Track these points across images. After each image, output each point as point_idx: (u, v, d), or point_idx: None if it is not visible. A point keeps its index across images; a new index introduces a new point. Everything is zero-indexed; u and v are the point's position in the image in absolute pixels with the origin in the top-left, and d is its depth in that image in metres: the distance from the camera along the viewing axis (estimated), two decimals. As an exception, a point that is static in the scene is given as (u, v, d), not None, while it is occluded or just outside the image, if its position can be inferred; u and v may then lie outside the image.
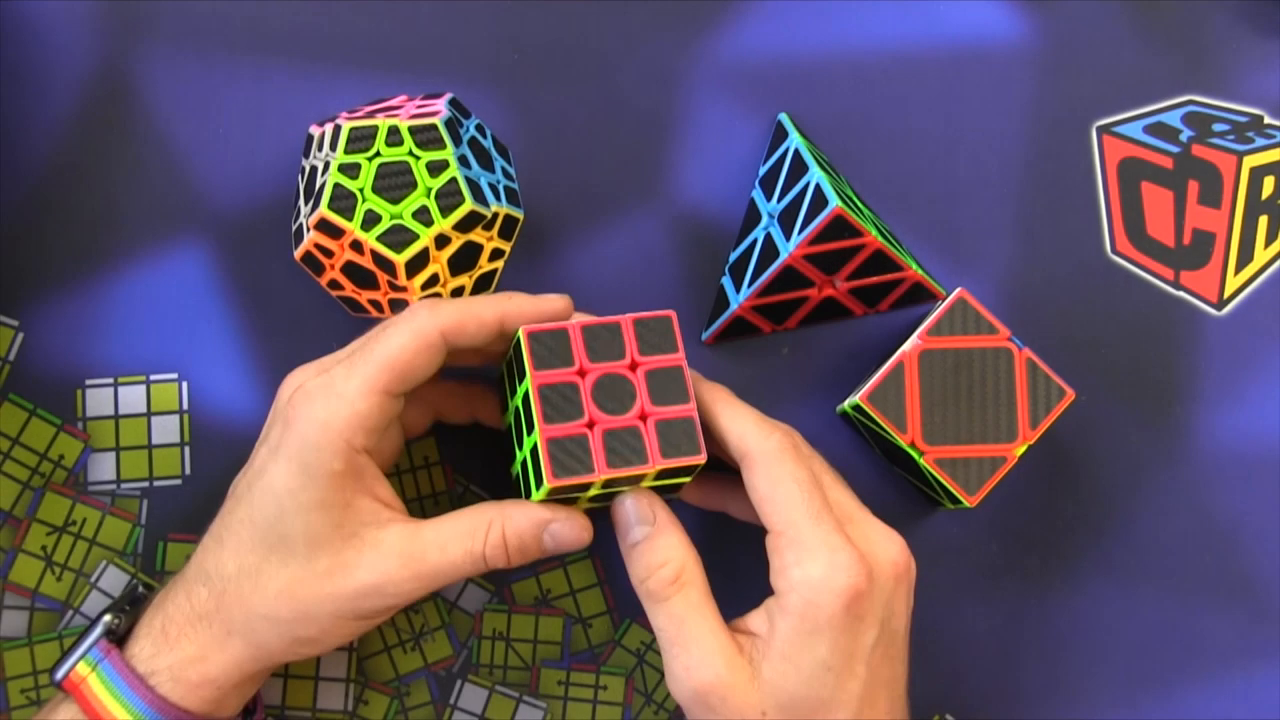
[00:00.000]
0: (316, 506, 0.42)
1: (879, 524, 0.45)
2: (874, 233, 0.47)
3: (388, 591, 0.42)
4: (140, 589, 0.49)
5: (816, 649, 0.41)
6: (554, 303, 0.45)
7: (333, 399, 0.42)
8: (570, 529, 0.44)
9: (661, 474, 0.45)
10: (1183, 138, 0.54)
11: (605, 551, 0.52)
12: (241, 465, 0.45)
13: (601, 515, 0.47)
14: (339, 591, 0.42)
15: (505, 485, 0.52)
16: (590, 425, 0.45)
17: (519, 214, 0.48)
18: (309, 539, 0.42)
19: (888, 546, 0.43)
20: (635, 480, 0.45)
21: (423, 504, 0.52)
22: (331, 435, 0.42)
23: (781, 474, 0.43)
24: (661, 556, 0.44)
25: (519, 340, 0.45)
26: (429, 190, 0.45)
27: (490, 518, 0.44)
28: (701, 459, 0.45)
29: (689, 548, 0.44)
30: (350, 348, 0.45)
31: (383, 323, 0.45)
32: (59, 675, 0.44)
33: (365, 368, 0.43)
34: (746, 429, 0.44)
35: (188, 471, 0.51)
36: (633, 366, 0.46)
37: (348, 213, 0.45)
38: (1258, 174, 0.53)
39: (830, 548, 0.42)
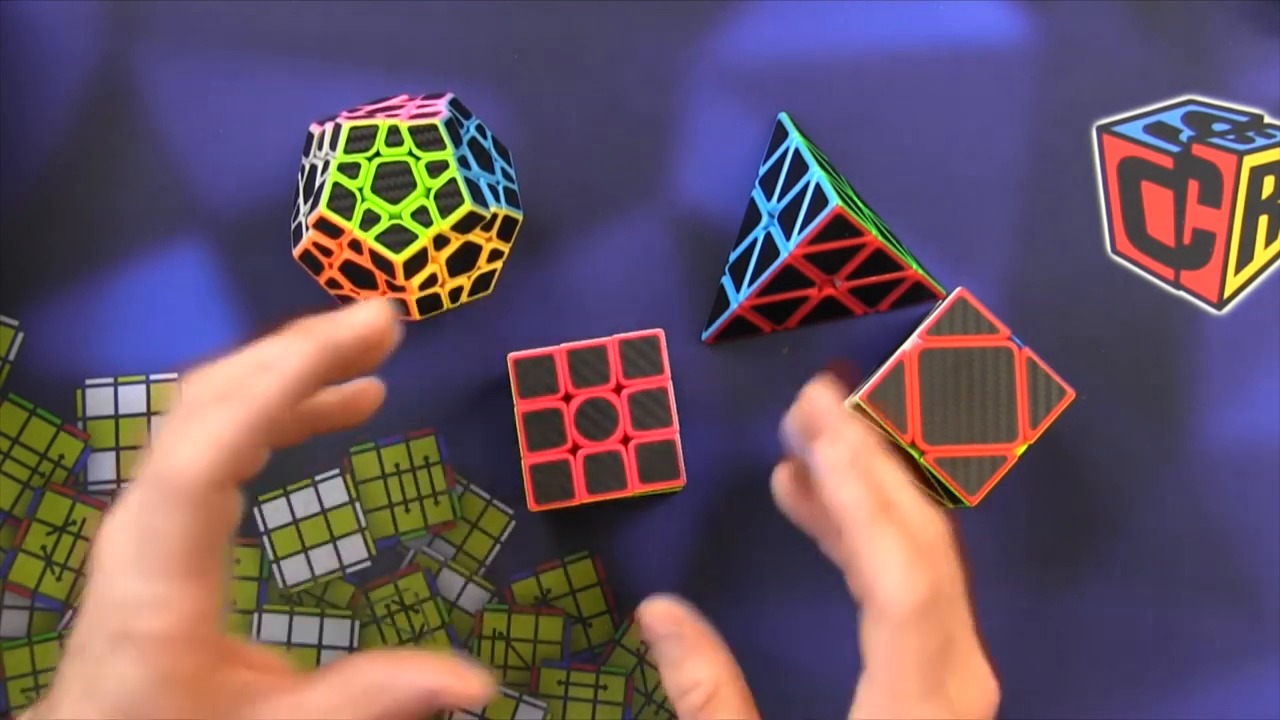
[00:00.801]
0: (179, 699, 0.35)
1: (980, 659, 0.39)
2: (874, 232, 0.47)
3: None
4: None
5: None
6: (353, 324, 0.38)
7: (166, 614, 0.35)
8: (460, 700, 0.38)
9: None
10: (1183, 137, 0.54)
11: (605, 551, 0.52)
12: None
13: (604, 516, 0.47)
14: None
15: (505, 485, 0.52)
16: (573, 450, 0.46)
17: (518, 215, 0.48)
18: None
19: (983, 690, 0.39)
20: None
21: (423, 504, 0.52)
22: (178, 646, 0.35)
23: (907, 647, 0.36)
24: (692, 677, 0.40)
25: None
26: (428, 191, 0.45)
27: (371, 686, 0.37)
28: (680, 483, 0.46)
29: (724, 665, 0.40)
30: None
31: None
32: None
33: (177, 562, 0.35)
34: (888, 573, 0.37)
35: (188, 471, 0.51)
36: (617, 389, 0.46)
37: (347, 212, 0.45)
38: (1258, 174, 0.53)
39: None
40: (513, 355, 0.47)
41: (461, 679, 0.38)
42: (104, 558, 0.36)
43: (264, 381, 0.36)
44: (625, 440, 0.47)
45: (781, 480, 0.43)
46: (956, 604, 0.39)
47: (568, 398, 0.47)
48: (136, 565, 0.35)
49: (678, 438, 0.46)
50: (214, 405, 0.36)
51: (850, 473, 0.38)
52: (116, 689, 0.35)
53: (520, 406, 0.47)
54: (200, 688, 0.36)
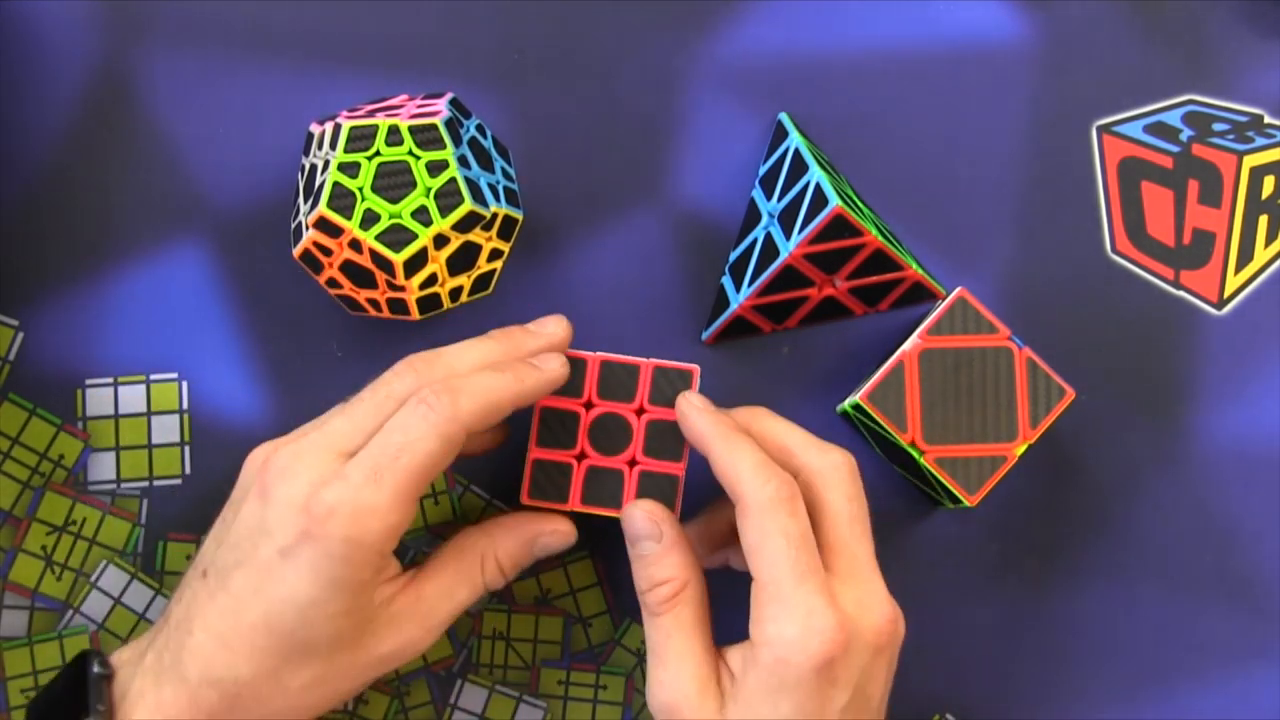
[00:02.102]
0: (343, 614, 0.40)
1: (877, 586, 0.43)
2: (874, 232, 0.47)
3: (407, 654, 0.43)
4: (96, 668, 0.42)
5: (780, 706, 0.40)
6: (555, 371, 0.45)
7: (363, 517, 0.40)
8: (556, 540, 0.46)
9: None
10: (1183, 137, 0.54)
11: (605, 551, 0.52)
12: (241, 464, 0.45)
13: (604, 517, 0.47)
14: (362, 673, 0.42)
15: (505, 485, 0.52)
16: (579, 457, 0.46)
17: (518, 215, 0.48)
18: (333, 641, 0.41)
19: (876, 611, 0.42)
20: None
21: (423, 503, 0.52)
22: (365, 552, 0.40)
23: (771, 527, 0.41)
24: (663, 574, 0.44)
25: None
26: (428, 190, 0.45)
27: (481, 551, 0.45)
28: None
29: (692, 567, 0.44)
30: (354, 418, 0.43)
31: (397, 405, 0.42)
32: None
33: (393, 477, 0.40)
34: (742, 473, 0.43)
35: (188, 471, 0.51)
36: (639, 412, 0.47)
37: (347, 212, 0.45)
38: (1258, 173, 0.53)
39: (809, 609, 0.40)
40: None
41: (551, 522, 0.46)
42: (296, 470, 0.41)
43: (533, 374, 0.44)
44: (632, 463, 0.47)
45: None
46: (856, 523, 0.44)
47: (589, 405, 0.47)
48: (349, 475, 0.40)
49: (683, 476, 0.47)
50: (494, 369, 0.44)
51: (705, 412, 0.45)
52: (282, 595, 0.40)
53: (541, 400, 0.46)
54: (358, 602, 0.41)
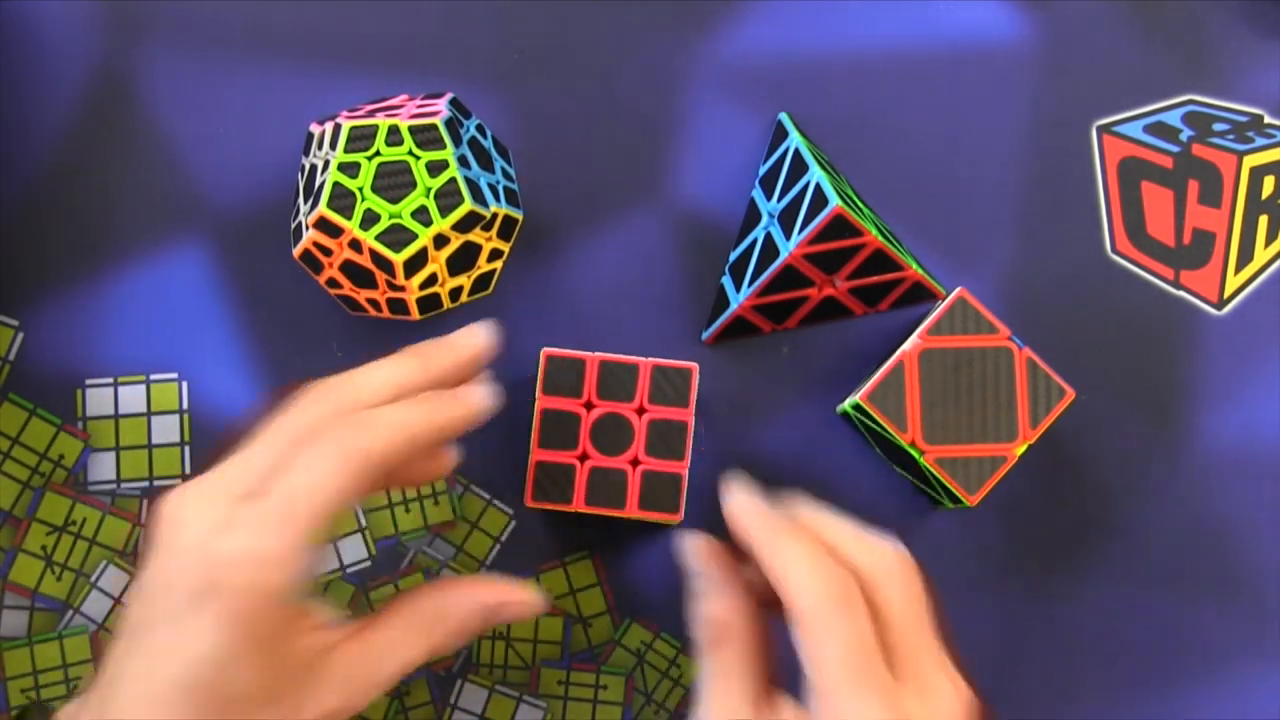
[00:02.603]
0: (263, 667, 0.37)
1: (946, 692, 0.39)
2: (874, 232, 0.47)
3: (347, 710, 0.39)
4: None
5: None
6: (476, 404, 0.42)
7: (263, 567, 0.37)
8: (521, 613, 0.43)
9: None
10: (1183, 137, 0.54)
11: (605, 551, 0.52)
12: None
13: (604, 518, 0.47)
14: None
15: (506, 485, 0.52)
16: (581, 458, 0.46)
17: (518, 215, 0.48)
18: (263, 695, 0.37)
19: (945, 704, 0.39)
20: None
21: (423, 504, 0.52)
22: (269, 602, 0.37)
23: (824, 634, 0.38)
24: (709, 613, 0.42)
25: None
26: (428, 190, 0.45)
27: (435, 611, 0.41)
28: (677, 519, 0.46)
29: (740, 609, 0.41)
30: (253, 459, 0.39)
31: (301, 442, 0.39)
32: None
33: (294, 523, 0.37)
34: (791, 576, 0.39)
35: (188, 471, 0.51)
36: (639, 411, 0.47)
37: (347, 212, 0.45)
38: (1258, 174, 0.53)
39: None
40: (547, 350, 0.47)
41: (515, 592, 0.43)
42: (190, 519, 0.38)
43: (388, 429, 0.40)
44: (635, 463, 0.47)
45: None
46: (919, 626, 0.40)
47: (589, 405, 0.47)
48: (247, 521, 0.37)
49: (686, 474, 0.47)
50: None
51: (752, 513, 0.42)
52: (193, 652, 0.36)
53: (541, 402, 0.47)
54: (278, 652, 0.38)
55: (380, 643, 0.40)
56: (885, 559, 0.40)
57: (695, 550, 0.43)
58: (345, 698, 0.39)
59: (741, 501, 0.42)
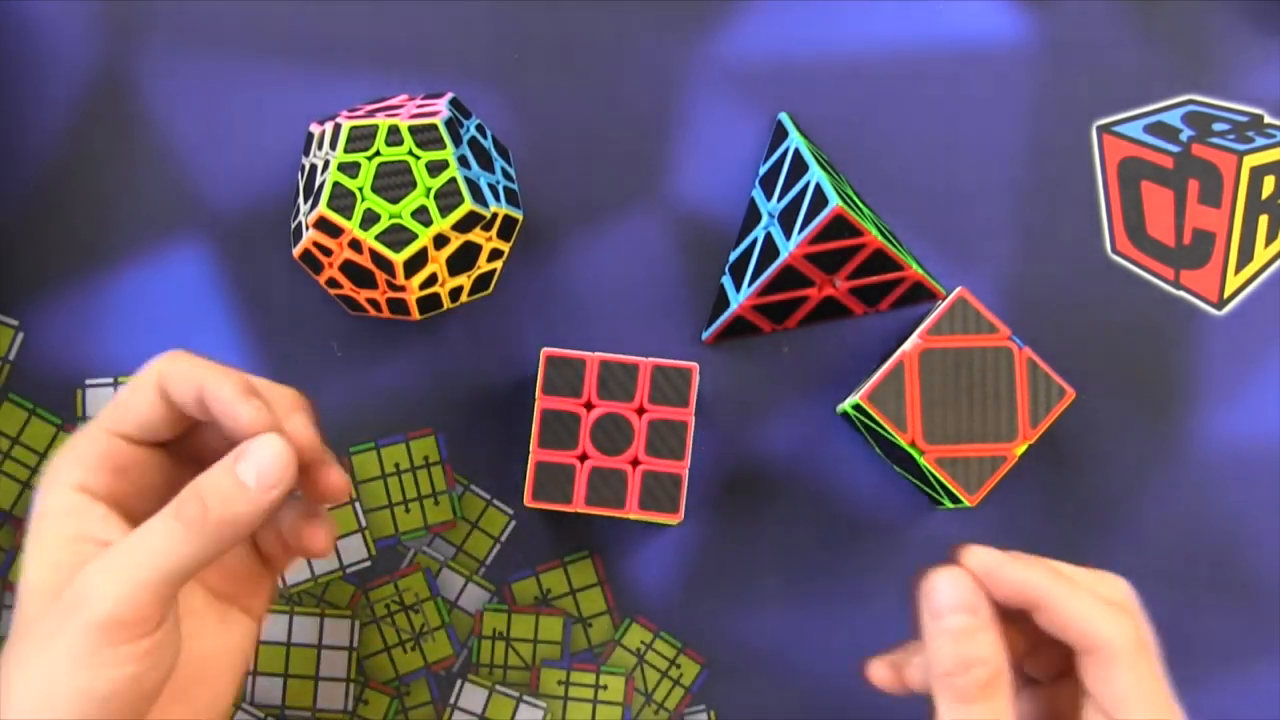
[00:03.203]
0: (36, 549, 0.38)
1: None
2: (874, 232, 0.47)
3: (86, 601, 0.36)
4: None
5: None
6: (248, 414, 0.38)
7: (65, 444, 0.40)
8: (262, 446, 0.38)
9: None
10: (1183, 137, 0.54)
11: (605, 551, 0.52)
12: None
13: (604, 517, 0.47)
14: (51, 627, 0.36)
15: (506, 485, 0.52)
16: (582, 458, 0.46)
17: (518, 214, 0.48)
18: (34, 587, 0.37)
19: None
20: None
21: (423, 504, 0.52)
22: (52, 474, 0.39)
23: (1146, 670, 0.38)
24: (980, 652, 0.38)
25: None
26: (428, 190, 0.45)
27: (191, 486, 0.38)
28: (677, 519, 0.46)
29: (1004, 649, 0.38)
30: None
31: None
32: None
33: (98, 413, 0.40)
34: (1092, 614, 0.38)
35: (187, 471, 0.51)
36: (639, 411, 0.47)
37: (347, 212, 0.45)
38: (1258, 173, 0.53)
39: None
40: (547, 350, 0.47)
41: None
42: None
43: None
44: (634, 463, 0.47)
45: (878, 671, 0.43)
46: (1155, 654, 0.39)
47: (589, 406, 0.47)
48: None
49: (686, 475, 0.47)
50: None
51: (1018, 558, 0.39)
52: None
53: (541, 402, 0.47)
54: (59, 529, 0.38)
55: (139, 531, 0.37)
56: (1133, 599, 0.40)
57: (959, 584, 0.38)
58: (101, 589, 0.36)
59: (996, 555, 0.39)
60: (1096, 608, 0.38)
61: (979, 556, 0.39)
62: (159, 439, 0.40)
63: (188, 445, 0.42)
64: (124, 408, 0.40)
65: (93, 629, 0.35)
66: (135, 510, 0.40)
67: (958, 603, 0.38)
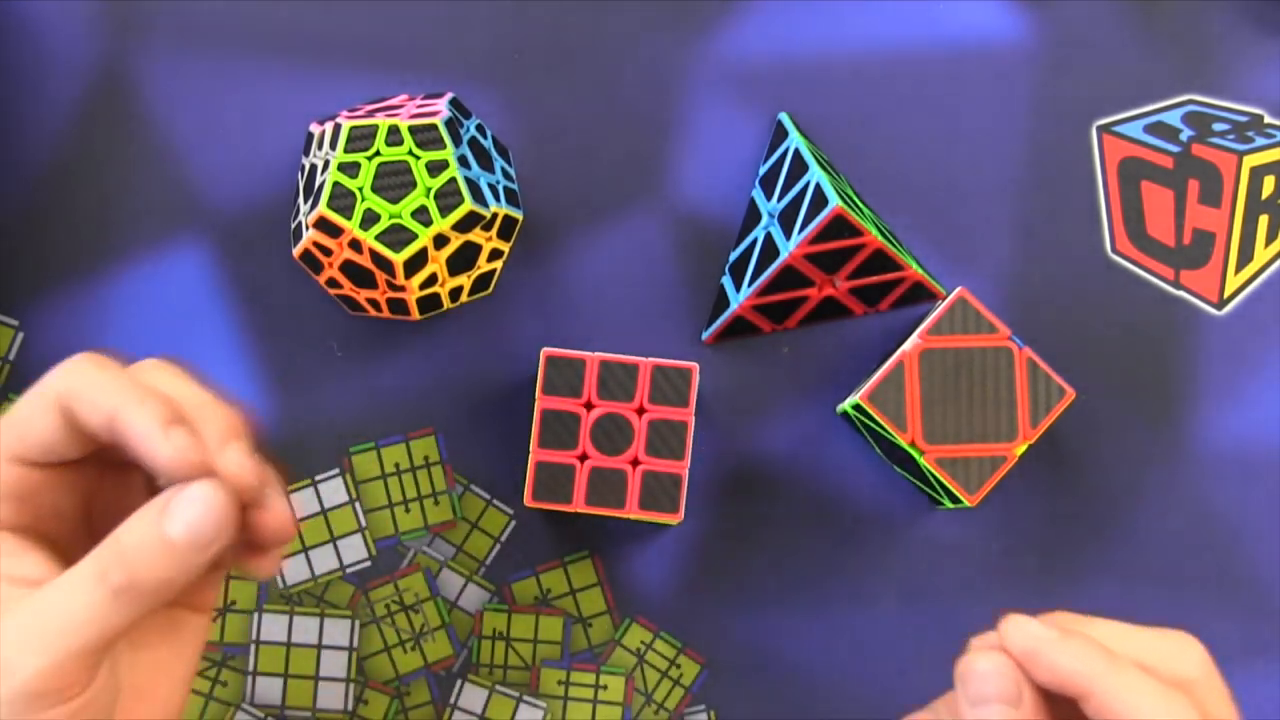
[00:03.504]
0: None
1: None
2: (874, 232, 0.47)
3: (7, 670, 0.32)
4: None
5: None
6: (166, 456, 0.32)
7: None
8: (192, 503, 0.33)
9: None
10: (1183, 137, 0.54)
11: (605, 551, 0.52)
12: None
13: (604, 517, 0.47)
14: None
15: (506, 485, 0.52)
16: (582, 458, 0.46)
17: (518, 214, 0.48)
18: None
19: None
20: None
21: (423, 503, 0.52)
22: None
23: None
24: None
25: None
26: (428, 190, 0.45)
27: (110, 536, 0.33)
28: (677, 519, 0.46)
29: None
30: None
31: None
32: None
33: None
34: (1146, 703, 0.34)
35: (187, 471, 0.51)
36: (639, 411, 0.47)
37: (347, 212, 0.45)
38: (1258, 173, 0.53)
39: None
40: (547, 350, 0.47)
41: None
42: None
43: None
44: (635, 463, 0.47)
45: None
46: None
47: (589, 406, 0.47)
48: None
49: (686, 475, 0.47)
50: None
51: (1068, 637, 0.35)
52: None
53: (541, 402, 0.47)
54: None
55: (57, 582, 0.33)
56: (1203, 666, 0.36)
57: (1001, 672, 0.34)
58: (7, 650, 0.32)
59: (1041, 635, 0.35)
60: (1152, 698, 0.34)
61: (1023, 635, 0.35)
62: (67, 459, 0.35)
63: (105, 451, 0.35)
64: (21, 429, 0.34)
65: (17, 698, 0.32)
66: (50, 531, 0.35)
67: (998, 693, 0.34)
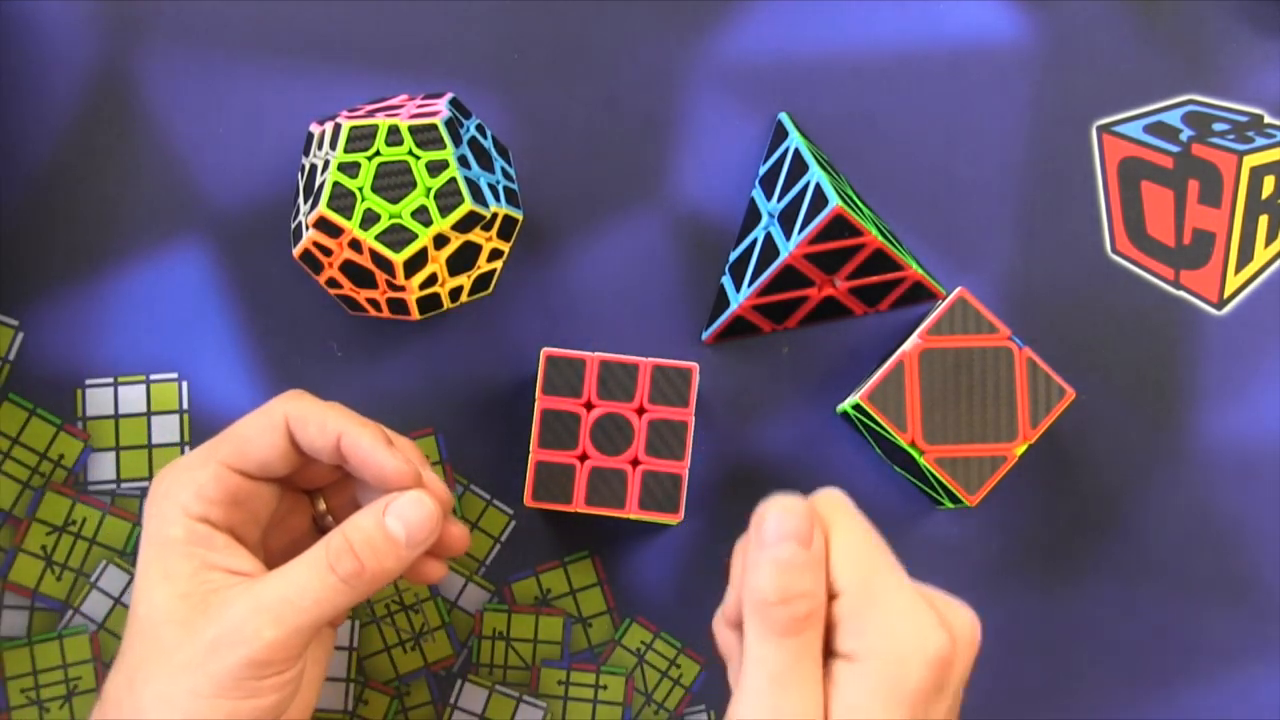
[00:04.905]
0: (162, 578, 0.40)
1: (947, 595, 0.39)
2: (874, 232, 0.47)
3: (241, 639, 0.38)
4: None
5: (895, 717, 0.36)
6: (393, 466, 0.41)
7: (174, 470, 0.41)
8: (413, 505, 0.41)
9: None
10: (1183, 137, 0.54)
11: (605, 551, 0.52)
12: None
13: (604, 517, 0.47)
14: (193, 658, 0.38)
15: (506, 485, 0.52)
16: (582, 458, 0.46)
17: (518, 215, 0.48)
18: (164, 617, 0.39)
19: (963, 614, 0.38)
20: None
21: (422, 504, 0.52)
22: (169, 503, 0.41)
23: (858, 529, 0.37)
24: (804, 585, 0.36)
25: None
26: (428, 190, 0.45)
27: (335, 531, 0.41)
28: (677, 519, 0.46)
29: (825, 585, 0.37)
30: None
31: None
32: None
33: (209, 442, 0.42)
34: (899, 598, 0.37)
35: (187, 471, 0.51)
36: (640, 411, 0.47)
37: (347, 212, 0.45)
38: (1258, 173, 0.53)
39: (916, 610, 0.36)
40: (547, 350, 0.47)
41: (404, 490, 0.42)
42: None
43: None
44: (635, 463, 0.47)
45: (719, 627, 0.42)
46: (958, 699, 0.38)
47: (589, 406, 0.47)
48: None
49: (686, 474, 0.47)
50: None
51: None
52: (136, 590, 0.40)
53: (541, 402, 0.47)
54: (186, 571, 0.40)
55: (279, 572, 0.40)
56: (970, 628, 0.39)
57: (794, 515, 0.37)
58: (236, 622, 0.39)
59: (844, 502, 0.39)
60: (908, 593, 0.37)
61: (831, 499, 0.38)
62: (274, 476, 0.43)
63: (288, 478, 0.44)
64: (245, 445, 0.42)
65: (244, 664, 0.38)
66: (246, 536, 0.42)
67: (792, 530, 0.36)
